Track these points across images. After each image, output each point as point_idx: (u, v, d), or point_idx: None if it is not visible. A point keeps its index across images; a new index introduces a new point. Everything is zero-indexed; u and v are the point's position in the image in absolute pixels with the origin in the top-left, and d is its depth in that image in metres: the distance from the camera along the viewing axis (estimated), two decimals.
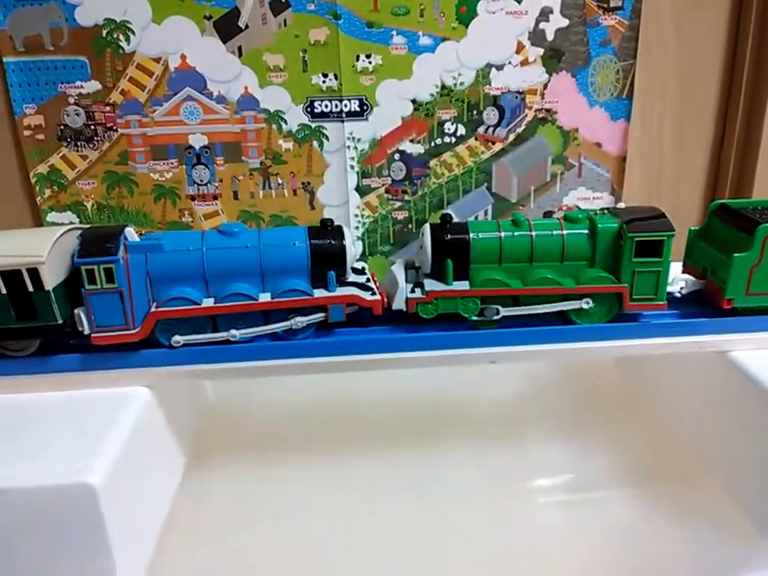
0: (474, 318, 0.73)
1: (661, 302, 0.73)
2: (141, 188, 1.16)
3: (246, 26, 1.10)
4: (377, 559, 0.73)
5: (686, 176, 1.25)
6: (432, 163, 1.21)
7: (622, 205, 0.77)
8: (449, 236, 0.73)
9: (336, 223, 0.73)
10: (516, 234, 0.73)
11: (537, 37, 1.15)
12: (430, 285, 0.73)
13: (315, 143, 1.17)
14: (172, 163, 1.16)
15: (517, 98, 1.18)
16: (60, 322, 0.66)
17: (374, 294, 0.72)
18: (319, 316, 0.71)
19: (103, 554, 0.59)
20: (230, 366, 0.70)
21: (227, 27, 1.10)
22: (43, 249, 0.64)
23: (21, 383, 0.69)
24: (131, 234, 0.69)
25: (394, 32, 1.12)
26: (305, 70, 1.13)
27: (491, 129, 1.20)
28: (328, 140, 1.17)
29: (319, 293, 0.71)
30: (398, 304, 0.73)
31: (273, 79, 1.13)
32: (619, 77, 1.18)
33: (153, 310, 0.68)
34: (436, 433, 0.93)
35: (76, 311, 0.66)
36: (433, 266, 0.74)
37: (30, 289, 0.64)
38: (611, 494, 0.82)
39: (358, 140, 1.18)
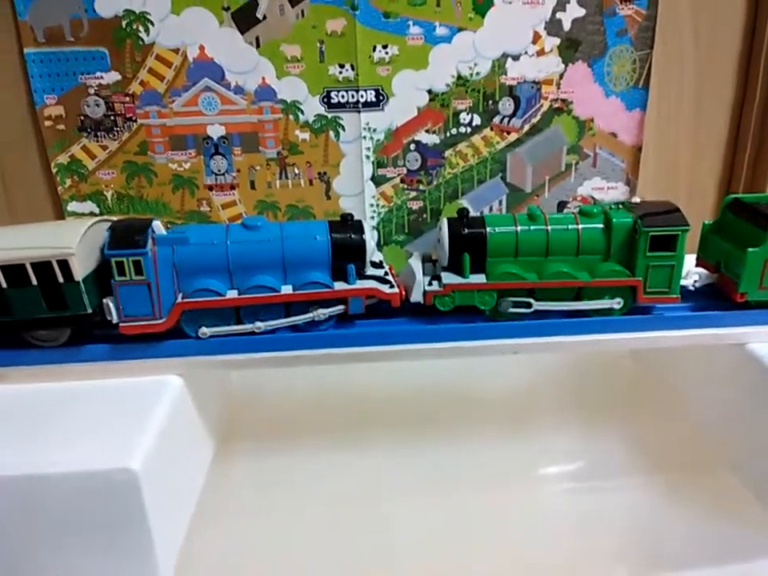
0: (509, 312, 0.74)
1: (674, 296, 0.74)
2: (159, 178, 1.18)
3: (264, 17, 1.10)
4: (395, 544, 0.74)
5: (702, 166, 1.25)
6: (447, 153, 1.21)
7: (636, 199, 0.78)
8: (466, 230, 0.74)
9: (355, 217, 0.74)
10: (532, 228, 0.74)
11: (553, 27, 1.15)
12: (448, 278, 0.74)
13: (331, 133, 1.18)
14: (190, 153, 1.17)
15: (532, 87, 1.18)
16: (90, 311, 0.68)
17: (392, 286, 0.73)
18: (339, 308, 0.73)
19: (143, 536, 0.61)
20: (255, 356, 0.72)
21: (245, 18, 1.10)
22: (73, 240, 0.65)
23: (59, 371, 0.71)
24: (159, 227, 0.71)
25: (411, 22, 1.13)
26: (322, 61, 1.13)
27: (506, 119, 1.20)
28: (344, 130, 1.18)
29: (339, 285, 0.72)
30: (416, 296, 0.74)
31: (290, 70, 1.13)
32: (635, 66, 1.18)
33: (179, 300, 0.69)
34: (451, 422, 0.94)
35: (104, 301, 0.68)
36: (450, 260, 0.75)
37: (61, 279, 0.66)
38: (625, 481, 0.83)
39: (374, 130, 1.18)
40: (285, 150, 1.18)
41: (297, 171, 1.20)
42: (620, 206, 0.76)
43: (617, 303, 0.74)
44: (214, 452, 0.85)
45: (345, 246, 0.72)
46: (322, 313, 0.72)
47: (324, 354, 0.73)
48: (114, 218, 0.73)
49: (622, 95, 1.20)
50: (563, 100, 1.19)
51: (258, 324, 0.71)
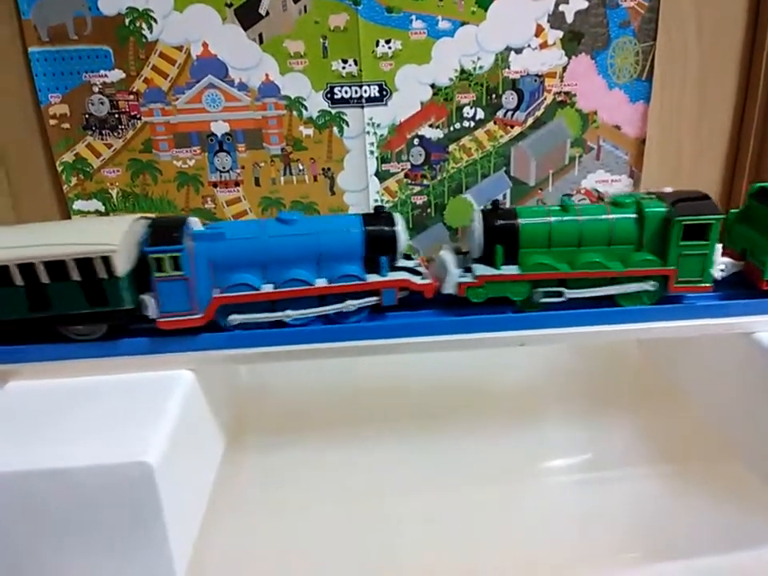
0: (541, 302, 0.74)
1: (707, 284, 0.74)
2: (164, 175, 1.17)
3: (267, 13, 1.10)
4: (404, 538, 0.74)
5: (706, 158, 1.25)
6: (451, 148, 1.22)
7: (668, 189, 0.78)
8: (499, 221, 0.74)
9: (387, 210, 0.74)
10: (565, 218, 0.74)
11: (556, 19, 1.15)
12: (480, 269, 0.74)
13: (335, 129, 1.18)
14: (195, 150, 1.17)
15: (536, 81, 1.19)
16: (130, 307, 0.68)
17: (424, 278, 0.74)
18: (372, 300, 0.73)
19: (158, 529, 0.62)
20: (283, 349, 0.72)
21: (248, 14, 1.10)
22: (116, 237, 0.66)
23: (70, 367, 0.71)
24: (195, 223, 0.71)
25: (413, 17, 1.13)
26: (325, 56, 1.13)
27: (510, 112, 1.21)
28: (348, 126, 1.18)
29: (372, 278, 0.72)
30: (449, 288, 0.74)
31: (293, 66, 1.13)
32: (639, 59, 1.18)
33: (216, 295, 0.70)
34: (458, 415, 0.94)
35: (142, 296, 0.69)
36: (483, 251, 0.75)
37: (103, 275, 0.66)
38: (633, 471, 0.83)
39: (378, 125, 1.18)
40: (289, 146, 1.18)
41: (301, 167, 1.20)
42: (652, 195, 0.76)
43: (651, 285, 0.74)
44: (224, 447, 0.86)
45: (378, 238, 0.72)
46: (351, 304, 0.72)
47: (350, 347, 0.73)
48: (153, 216, 0.73)
49: (626, 87, 1.20)
50: (566, 93, 1.20)
51: (289, 312, 0.71)
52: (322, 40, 1.12)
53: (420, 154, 1.22)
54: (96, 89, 1.11)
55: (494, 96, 1.19)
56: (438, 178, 1.23)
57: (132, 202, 1.19)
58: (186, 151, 1.17)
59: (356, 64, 1.14)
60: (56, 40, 1.08)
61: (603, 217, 0.74)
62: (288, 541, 0.74)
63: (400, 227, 0.73)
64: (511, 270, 0.74)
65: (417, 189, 1.24)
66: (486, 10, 1.13)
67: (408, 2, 1.12)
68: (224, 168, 1.19)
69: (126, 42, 1.09)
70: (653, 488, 0.80)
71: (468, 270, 0.75)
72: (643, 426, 0.90)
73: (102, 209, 1.18)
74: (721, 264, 0.79)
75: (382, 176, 1.22)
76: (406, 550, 0.73)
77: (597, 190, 1.26)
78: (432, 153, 1.22)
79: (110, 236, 0.66)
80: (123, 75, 1.11)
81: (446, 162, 1.22)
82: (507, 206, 1.26)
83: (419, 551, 0.73)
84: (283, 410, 0.96)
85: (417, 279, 0.73)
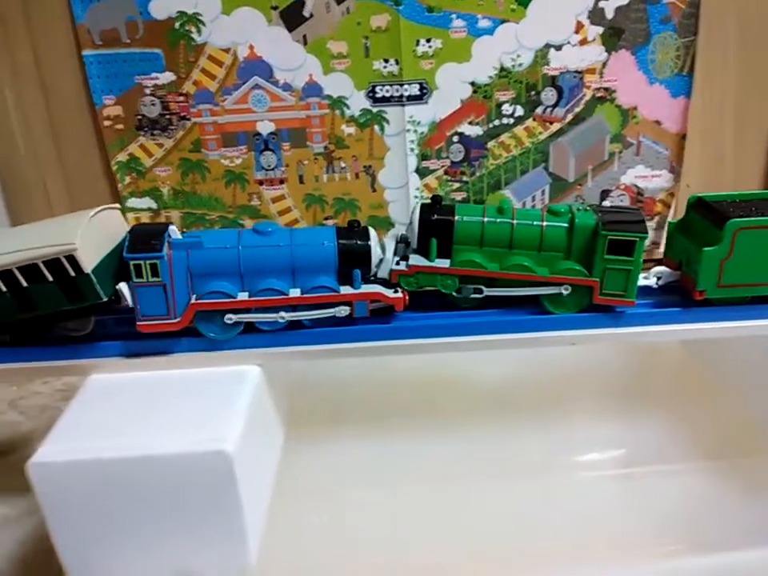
0: (456, 295, 0.77)
1: (629, 300, 0.76)
2: (212, 174, 1.23)
3: (311, 15, 1.13)
4: (455, 526, 0.77)
5: (747, 153, 1.24)
6: (490, 144, 1.23)
7: (607, 203, 0.79)
8: (435, 216, 0.77)
9: (363, 225, 0.77)
10: (498, 220, 0.76)
11: (596, 15, 1.15)
12: (414, 260, 0.76)
13: (376, 127, 1.21)
14: (241, 150, 1.21)
15: (575, 77, 1.19)
16: (105, 299, 0.71)
17: (396, 291, 0.76)
18: (344, 309, 0.75)
19: (236, 515, 0.65)
20: (348, 346, 0.76)
21: (293, 16, 1.14)
22: (74, 235, 0.67)
23: (149, 362, 0.75)
24: (174, 231, 0.74)
25: (454, 15, 1.14)
26: (366, 56, 1.16)
27: (549, 109, 1.21)
28: (389, 124, 1.21)
29: (345, 290, 0.75)
30: (382, 273, 0.77)
31: (336, 66, 1.16)
32: (680, 53, 1.17)
33: (192, 302, 0.73)
34: (494, 409, 0.96)
35: (118, 287, 0.72)
36: (419, 243, 0.77)
37: (72, 273, 0.69)
38: (669, 467, 0.84)
39: (418, 123, 1.21)
40: (331, 145, 1.22)
41: (343, 165, 1.23)
42: (587, 207, 0.77)
43: (564, 289, 0.76)
44: (285, 436, 0.89)
45: (351, 251, 0.74)
46: (343, 309, 0.75)
47: (402, 345, 0.76)
48: (117, 205, 0.76)
49: (666, 82, 1.19)
50: (606, 89, 1.20)
51: (282, 314, 0.74)
52: (363, 40, 1.15)
53: (459, 151, 1.24)
54: (148, 91, 1.16)
55: (533, 93, 1.20)
56: (477, 174, 1.25)
57: (182, 200, 1.24)
58: (233, 150, 1.21)
59: (397, 63, 1.16)
60: (109, 43, 1.13)
61: (536, 223, 0.76)
62: (349, 525, 0.77)
63: (373, 242, 0.75)
64: (443, 263, 0.76)
65: (456, 185, 1.26)
66: (525, 8, 1.14)
67: (448, 1, 1.13)
68: (269, 166, 1.23)
69: (176, 45, 1.14)
70: (688, 483, 0.81)
71: (405, 258, 0.78)
72: (679, 421, 0.91)
73: (154, 206, 1.24)
74: (657, 273, 0.81)
75: (422, 173, 1.24)
76: (458, 537, 0.75)
77: (636, 186, 1.26)
78: (471, 150, 1.24)
79: (70, 234, 0.67)
80: (174, 77, 1.16)
81: (485, 158, 1.24)
82: (546, 201, 1.27)
83: (468, 539, 0.75)
84: (330, 402, 1.00)
85: (389, 292, 0.76)
